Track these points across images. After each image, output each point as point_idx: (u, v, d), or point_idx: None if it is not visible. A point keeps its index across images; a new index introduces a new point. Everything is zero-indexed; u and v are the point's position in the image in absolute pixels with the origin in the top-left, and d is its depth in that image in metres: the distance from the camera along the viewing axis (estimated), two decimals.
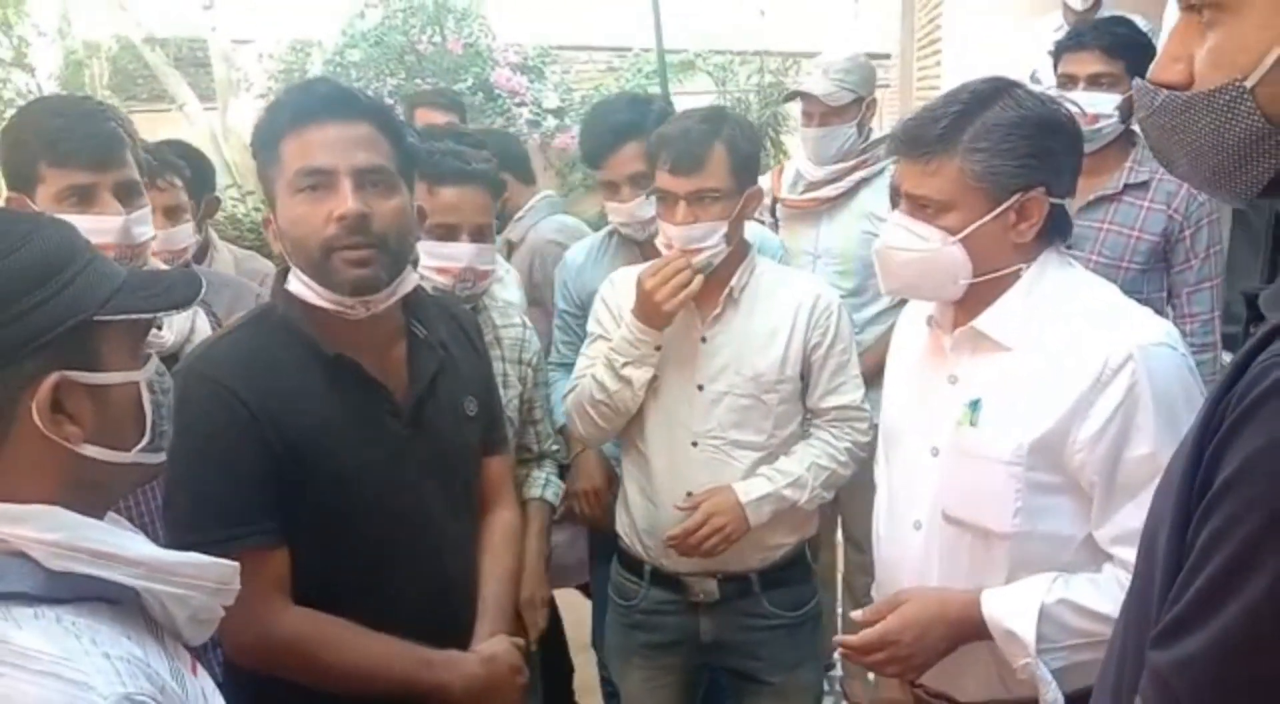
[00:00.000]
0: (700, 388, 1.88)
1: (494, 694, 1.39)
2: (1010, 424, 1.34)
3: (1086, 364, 1.29)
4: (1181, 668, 0.65)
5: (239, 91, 7.72)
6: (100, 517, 0.94)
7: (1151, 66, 0.78)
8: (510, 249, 2.71)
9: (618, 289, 1.96)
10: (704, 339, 1.89)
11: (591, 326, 2.01)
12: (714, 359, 1.88)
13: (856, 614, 1.49)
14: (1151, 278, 2.27)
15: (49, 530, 0.84)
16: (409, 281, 1.41)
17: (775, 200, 2.87)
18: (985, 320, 1.38)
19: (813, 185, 2.76)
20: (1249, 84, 0.69)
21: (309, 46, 7.49)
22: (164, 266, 2.00)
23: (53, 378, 0.85)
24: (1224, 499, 0.65)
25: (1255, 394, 0.64)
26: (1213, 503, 0.65)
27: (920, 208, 1.37)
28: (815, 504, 1.90)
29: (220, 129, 7.56)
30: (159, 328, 1.63)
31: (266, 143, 1.34)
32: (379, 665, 1.32)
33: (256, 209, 5.99)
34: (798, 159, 2.88)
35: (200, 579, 0.94)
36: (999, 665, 1.38)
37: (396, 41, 6.89)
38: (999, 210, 1.33)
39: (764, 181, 2.52)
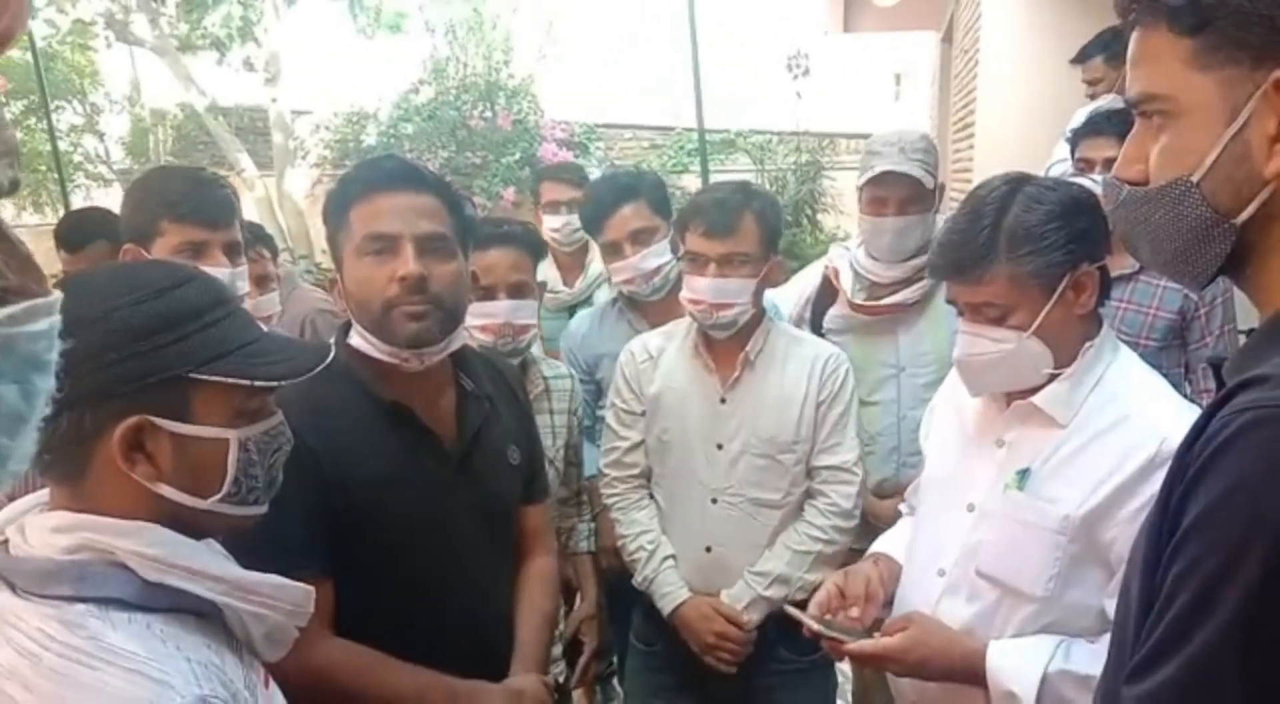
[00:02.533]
0: (719, 447, 1.94)
1: None
2: (1059, 496, 1.38)
3: (1140, 447, 1.32)
4: (1151, 699, 0.69)
5: (295, 160, 8.04)
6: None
7: (1115, 165, 0.88)
8: None
9: (636, 359, 2.05)
10: (723, 400, 1.95)
11: (613, 397, 2.07)
12: (732, 420, 1.94)
13: (860, 645, 1.48)
14: (1169, 354, 2.32)
15: (149, 546, 0.91)
16: (459, 338, 1.50)
17: (815, 310, 2.34)
18: (1044, 397, 1.42)
19: (880, 287, 2.25)
20: (1195, 179, 0.77)
21: (364, 119, 7.79)
22: None
23: (134, 419, 0.90)
24: (1188, 542, 0.69)
25: (1216, 444, 0.69)
26: (1178, 547, 0.70)
27: (984, 314, 1.42)
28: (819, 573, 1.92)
29: (276, 195, 7.85)
30: None
31: (337, 210, 1.42)
32: (407, 695, 1.34)
33: (308, 271, 6.18)
34: (849, 256, 2.32)
35: (277, 600, 1.00)
36: None
37: (449, 116, 7.15)
38: (1057, 295, 1.37)
39: (806, 280, 2.42)
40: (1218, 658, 0.66)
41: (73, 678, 0.84)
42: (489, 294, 1.90)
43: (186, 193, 1.80)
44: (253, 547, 1.15)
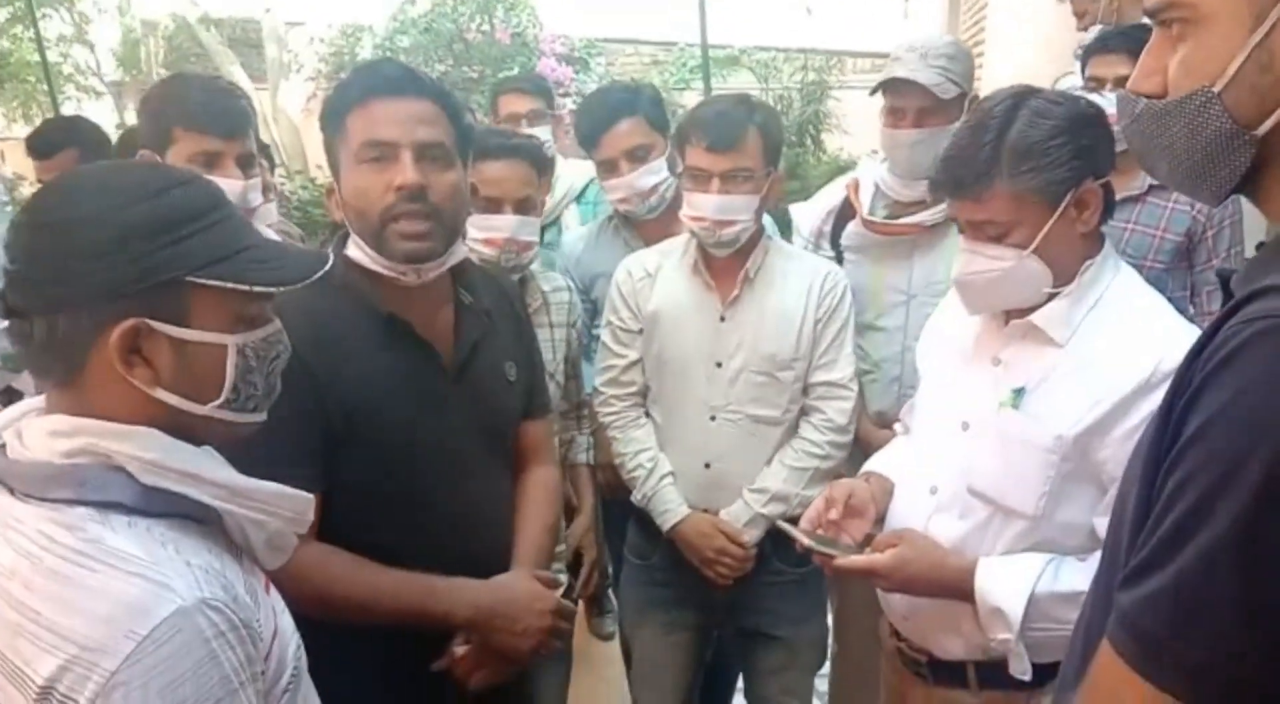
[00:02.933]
0: (719, 365, 1.94)
1: (507, 620, 1.41)
2: (1053, 415, 1.37)
3: (1136, 368, 1.32)
4: (1145, 605, 0.69)
5: (289, 73, 7.87)
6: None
7: (1131, 78, 0.85)
8: None
9: (633, 277, 2.03)
10: (723, 318, 1.94)
11: (609, 315, 2.05)
12: (732, 338, 1.94)
13: (851, 560, 1.50)
14: (1175, 276, 2.29)
15: (146, 450, 0.91)
16: (459, 252, 1.48)
17: (836, 225, 2.23)
18: (1042, 316, 1.41)
19: (901, 206, 2.13)
20: (1216, 89, 0.75)
21: (359, 31, 7.60)
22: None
23: (131, 322, 0.89)
24: (1190, 450, 0.69)
25: (1222, 355, 0.68)
26: (1180, 455, 0.70)
27: (985, 232, 1.40)
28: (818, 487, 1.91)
29: (270, 109, 7.70)
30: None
31: (334, 116, 1.40)
32: (385, 596, 1.34)
33: (304, 187, 6.11)
34: (873, 171, 2.22)
35: (277, 507, 1.00)
36: (983, 631, 1.43)
37: (445, 29, 6.98)
38: (1059, 213, 1.35)
39: (831, 194, 2.30)
40: (1213, 567, 0.66)
41: (73, 579, 0.84)
42: (494, 207, 1.86)
43: (201, 102, 1.80)
44: (242, 456, 1.16)
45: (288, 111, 7.74)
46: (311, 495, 1.05)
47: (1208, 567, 0.66)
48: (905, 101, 2.04)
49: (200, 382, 0.96)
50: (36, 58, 6.43)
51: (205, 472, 0.95)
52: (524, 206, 1.89)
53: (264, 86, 7.82)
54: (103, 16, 8.67)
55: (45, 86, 6.31)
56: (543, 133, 2.66)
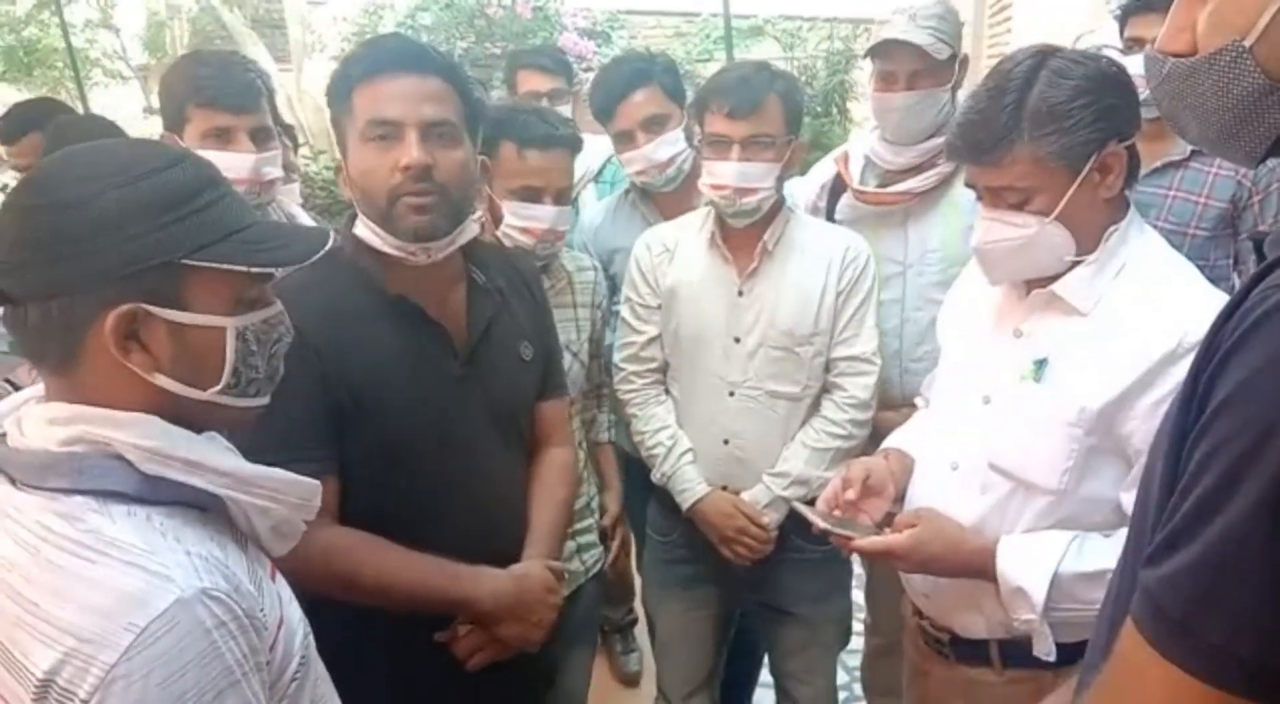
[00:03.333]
0: (737, 340, 1.90)
1: (523, 610, 1.42)
2: (1076, 387, 1.33)
3: (1162, 337, 1.27)
4: (1171, 582, 0.66)
5: (312, 53, 7.86)
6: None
7: (1158, 37, 0.80)
8: None
9: (651, 251, 1.99)
10: (740, 293, 1.91)
11: (628, 291, 2.03)
12: (750, 312, 1.90)
13: (869, 541, 1.46)
14: (1219, 244, 2.21)
15: (145, 437, 0.89)
16: (469, 231, 1.45)
17: (830, 199, 2.22)
18: (1065, 285, 1.37)
19: (893, 175, 2.10)
20: (1247, 43, 0.71)
21: (381, 9, 7.59)
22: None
23: (127, 307, 0.88)
24: (1218, 419, 0.65)
25: (1254, 317, 0.65)
26: (1207, 424, 0.66)
27: (1005, 198, 1.35)
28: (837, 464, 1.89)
29: (295, 89, 7.71)
30: None
31: (340, 93, 1.38)
32: (410, 580, 1.34)
33: (327, 167, 6.12)
34: (863, 142, 2.20)
35: (282, 493, 0.98)
36: (1005, 610, 1.40)
37: (467, 5, 6.94)
38: (1082, 177, 1.31)
39: (824, 169, 2.29)
40: (1241, 541, 0.62)
41: (71, 570, 0.83)
42: (535, 196, 1.83)
43: (211, 78, 1.81)
44: (252, 441, 1.14)
45: (311, 92, 7.74)
46: (318, 482, 1.03)
47: (1235, 542, 0.62)
48: (897, 65, 2.00)
49: (199, 366, 0.94)
50: (63, 44, 6.46)
51: (207, 459, 0.93)
52: (563, 196, 1.87)
53: (288, 67, 7.82)
54: (128, 1, 8.71)
55: (72, 72, 6.35)
56: (563, 112, 2.62)
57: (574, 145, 1.89)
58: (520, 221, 1.83)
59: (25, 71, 7.74)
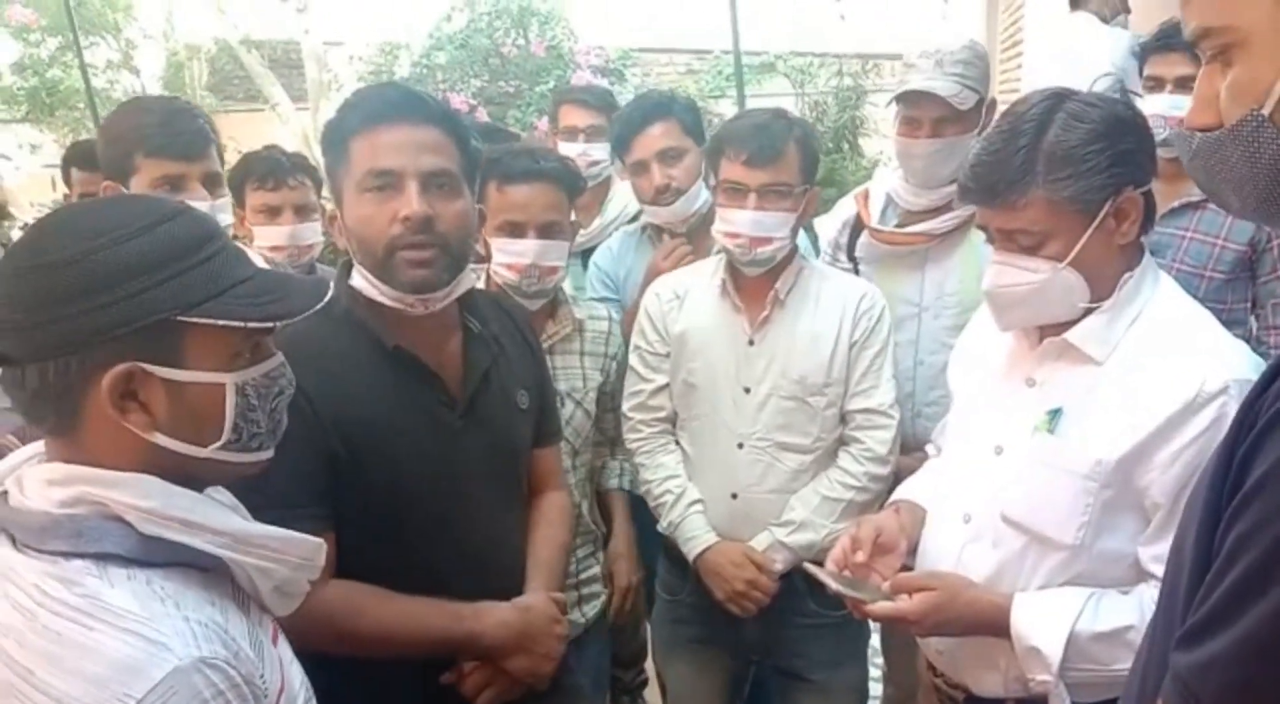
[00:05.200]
0: (747, 390, 1.87)
1: (529, 641, 1.39)
2: (1092, 438, 1.30)
3: (1180, 387, 1.24)
4: (1203, 670, 0.65)
5: (330, 92, 7.97)
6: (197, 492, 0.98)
7: (1187, 115, 0.80)
8: None
9: (661, 299, 1.97)
10: (751, 342, 1.88)
11: (637, 339, 1.99)
12: (760, 362, 1.87)
13: (881, 607, 1.42)
14: (1236, 287, 2.16)
15: (142, 498, 0.88)
16: (467, 281, 1.45)
17: (852, 236, 2.19)
18: (1079, 333, 1.34)
19: (913, 216, 2.08)
20: (1266, 111, 0.71)
21: (397, 49, 7.68)
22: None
23: (123, 367, 0.87)
24: (1254, 501, 0.64)
25: None
26: (1242, 505, 0.65)
27: (1017, 242, 1.33)
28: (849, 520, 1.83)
29: (312, 128, 7.80)
30: None
31: (336, 142, 1.36)
32: (412, 625, 1.32)
33: None
34: (885, 181, 2.18)
35: (284, 553, 0.97)
36: (1021, 669, 1.36)
37: (481, 44, 7.01)
38: (1097, 222, 1.29)
39: (848, 205, 2.25)
40: (1275, 634, 0.61)
41: (67, 637, 0.82)
42: (518, 231, 1.83)
43: (159, 125, 1.77)
44: (247, 500, 1.13)
45: None
46: (321, 540, 1.02)
47: (1270, 633, 0.61)
48: (922, 112, 1.97)
49: (199, 423, 0.93)
50: (83, 85, 6.57)
51: (208, 519, 0.92)
52: (549, 231, 1.85)
53: (305, 106, 7.94)
54: (148, 42, 8.87)
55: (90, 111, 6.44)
56: (598, 151, 2.64)
57: (561, 178, 1.87)
58: (504, 258, 1.83)
59: (48, 112, 7.86)
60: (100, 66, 8.08)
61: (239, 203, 2.25)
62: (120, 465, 0.90)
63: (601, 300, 2.32)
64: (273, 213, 2.32)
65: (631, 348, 2.03)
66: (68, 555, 0.86)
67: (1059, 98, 1.32)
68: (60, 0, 6.61)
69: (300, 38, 7.89)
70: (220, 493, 1.05)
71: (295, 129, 7.88)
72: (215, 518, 0.93)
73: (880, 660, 2.51)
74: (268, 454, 1.02)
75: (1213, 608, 0.65)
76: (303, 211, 2.36)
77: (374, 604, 1.32)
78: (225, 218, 1.89)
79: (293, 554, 0.98)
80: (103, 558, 0.86)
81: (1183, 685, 0.66)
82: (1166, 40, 2.22)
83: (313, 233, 2.37)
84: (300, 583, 1.02)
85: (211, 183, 1.84)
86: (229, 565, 0.94)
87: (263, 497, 1.05)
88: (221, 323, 0.91)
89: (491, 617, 1.38)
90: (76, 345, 0.87)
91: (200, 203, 1.77)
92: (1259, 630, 0.61)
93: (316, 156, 7.34)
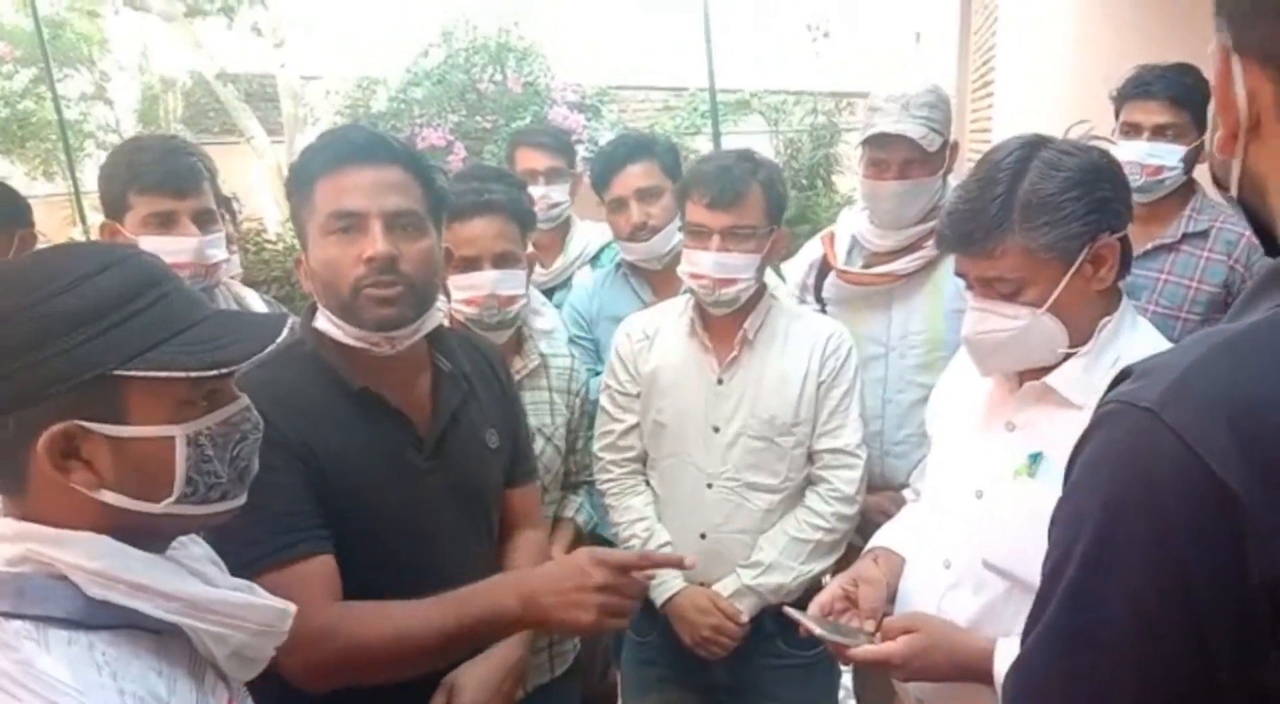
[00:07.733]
0: (716, 430, 1.86)
1: (555, 597, 1.27)
2: None
3: None
4: (1012, 673, 0.73)
5: (305, 126, 7.94)
6: (159, 550, 0.92)
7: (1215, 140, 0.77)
8: None
9: (631, 338, 1.96)
10: (720, 381, 1.87)
11: (607, 379, 1.99)
12: (729, 401, 1.86)
13: (864, 650, 1.38)
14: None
15: (90, 558, 0.84)
16: (433, 319, 1.43)
17: (818, 278, 2.20)
18: (1058, 378, 1.34)
19: (878, 257, 2.10)
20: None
21: (374, 83, 7.69)
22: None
23: (59, 427, 0.84)
24: (1053, 525, 0.73)
25: (1081, 435, 0.70)
26: (1050, 531, 0.73)
27: (996, 289, 1.34)
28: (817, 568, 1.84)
29: (286, 161, 7.77)
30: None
31: (301, 185, 1.35)
32: (430, 620, 1.26)
33: None
34: (850, 223, 2.19)
35: (240, 620, 0.93)
36: None
37: (458, 80, 7.04)
38: (1074, 269, 1.30)
39: (813, 248, 2.27)
40: (1057, 633, 0.69)
41: None
42: (473, 265, 1.81)
43: (152, 164, 1.80)
44: (252, 530, 1.11)
45: None
46: (288, 605, 0.98)
47: (1054, 636, 0.69)
48: (890, 154, 1.99)
49: (148, 479, 0.89)
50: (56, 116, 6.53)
51: (159, 583, 0.87)
52: (503, 260, 1.83)
53: (280, 139, 7.91)
54: (123, 74, 8.83)
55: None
56: (558, 193, 2.62)
57: (510, 208, 1.85)
58: (461, 293, 1.82)
59: (19, 143, 7.80)
60: (74, 98, 8.04)
61: None
62: (72, 523, 0.86)
63: (573, 339, 2.31)
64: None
65: (602, 388, 2.01)
66: (8, 616, 0.82)
67: (1034, 145, 1.32)
68: (34, 32, 6.57)
69: (276, 71, 7.88)
70: (195, 543, 1.01)
71: (270, 162, 7.85)
72: (167, 582, 0.89)
73: (853, 703, 2.48)
74: (234, 503, 0.97)
75: (1026, 624, 0.73)
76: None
77: (370, 611, 1.28)
78: (218, 252, 1.87)
79: (252, 620, 0.94)
80: (44, 621, 0.82)
81: (1004, 691, 0.74)
82: (1145, 88, 2.21)
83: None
84: (264, 649, 0.97)
85: (202, 219, 1.84)
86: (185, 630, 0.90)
87: (265, 525, 1.03)
88: (163, 375, 0.87)
89: (504, 586, 1.30)
90: (11, 405, 0.84)
91: (190, 239, 1.80)
92: (1044, 636, 0.70)
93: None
